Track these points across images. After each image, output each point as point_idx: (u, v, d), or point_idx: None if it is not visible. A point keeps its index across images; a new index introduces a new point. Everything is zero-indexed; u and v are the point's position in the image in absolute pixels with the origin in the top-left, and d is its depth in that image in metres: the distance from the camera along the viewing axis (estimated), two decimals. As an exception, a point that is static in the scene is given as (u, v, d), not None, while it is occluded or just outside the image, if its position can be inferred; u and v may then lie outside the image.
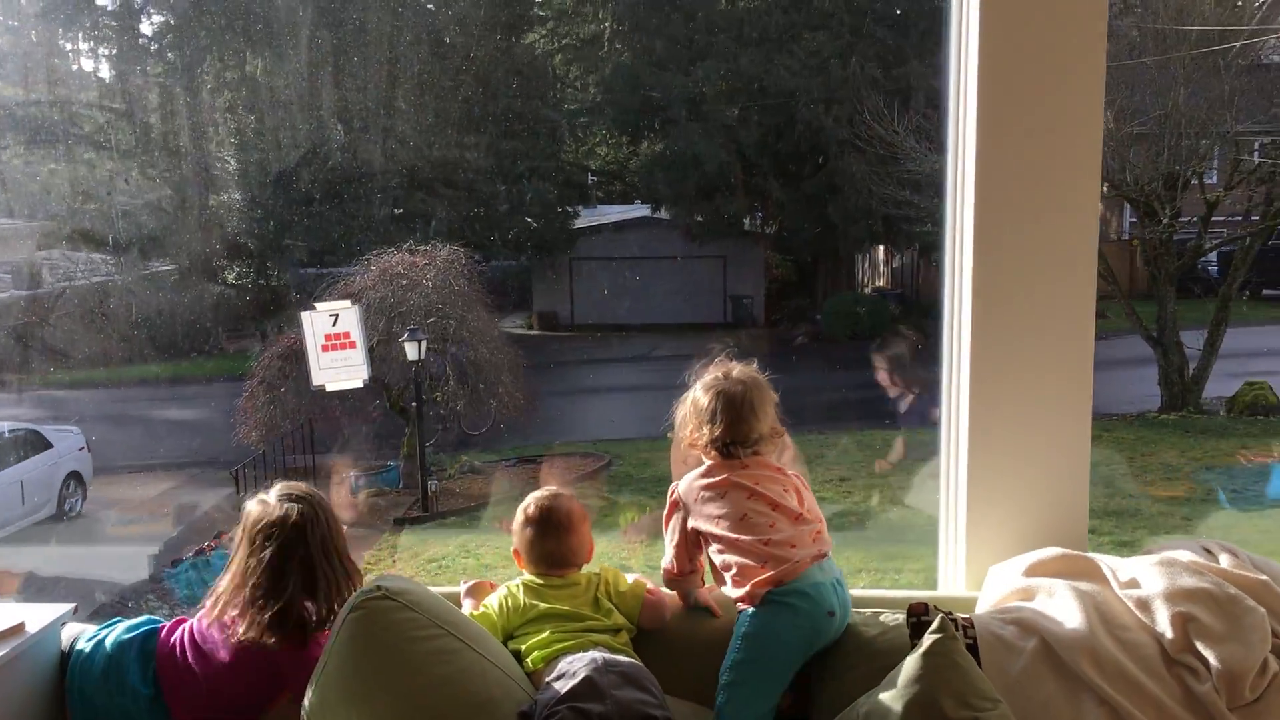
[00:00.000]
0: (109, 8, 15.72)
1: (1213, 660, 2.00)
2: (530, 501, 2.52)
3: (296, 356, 10.76)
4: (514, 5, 19.15)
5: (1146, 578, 2.15)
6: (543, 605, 2.38)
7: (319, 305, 3.01)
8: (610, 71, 20.15)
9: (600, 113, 20.11)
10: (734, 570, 2.30)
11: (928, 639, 1.99)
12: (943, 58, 2.55)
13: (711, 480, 2.37)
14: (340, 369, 2.95)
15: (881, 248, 20.58)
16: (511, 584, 2.48)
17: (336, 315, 2.94)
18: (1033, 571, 2.28)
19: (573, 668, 2.19)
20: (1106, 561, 2.25)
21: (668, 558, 2.45)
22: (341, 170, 15.87)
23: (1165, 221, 12.46)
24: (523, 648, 2.34)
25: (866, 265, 21.47)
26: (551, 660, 2.28)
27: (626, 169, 22.51)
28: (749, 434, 2.36)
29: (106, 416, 12.45)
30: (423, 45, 16.96)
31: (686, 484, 2.42)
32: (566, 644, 2.30)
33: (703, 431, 2.40)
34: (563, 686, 2.14)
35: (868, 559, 7.86)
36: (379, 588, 2.22)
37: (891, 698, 1.98)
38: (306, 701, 2.17)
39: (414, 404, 10.90)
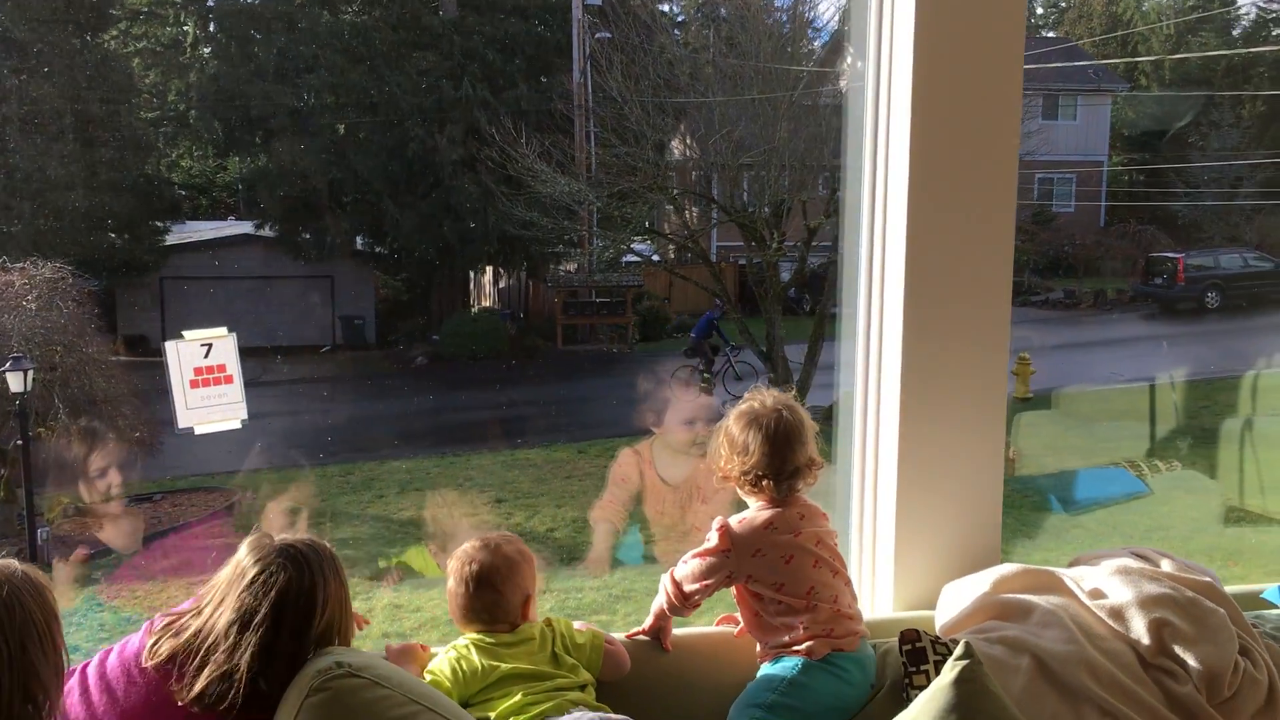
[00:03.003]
0: None
1: (1192, 662, 2.15)
2: (464, 554, 2.26)
3: None
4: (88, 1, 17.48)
5: (1111, 588, 2.27)
6: (504, 666, 2.14)
7: (187, 334, 2.51)
8: (197, 79, 18.95)
9: (184, 122, 18.88)
10: (796, 630, 2.20)
11: (955, 666, 1.98)
12: (854, 92, 2.56)
13: (771, 536, 2.24)
14: (212, 408, 2.49)
15: (489, 268, 20.78)
16: (459, 645, 2.21)
17: (210, 345, 2.47)
18: (999, 588, 2.34)
19: None
20: (1066, 574, 2.35)
21: (691, 588, 2.28)
22: None
23: (775, 246, 13.40)
24: (492, 715, 2.09)
25: (473, 286, 21.58)
26: None
27: (214, 184, 21.27)
28: (784, 466, 2.24)
29: None
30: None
31: (742, 532, 2.26)
32: (544, 706, 2.09)
33: (735, 462, 2.26)
34: None
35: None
36: (338, 664, 1.89)
37: (926, 729, 1.95)
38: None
39: (17, 441, 9.61)
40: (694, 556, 2.29)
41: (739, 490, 2.34)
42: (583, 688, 2.19)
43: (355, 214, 17.88)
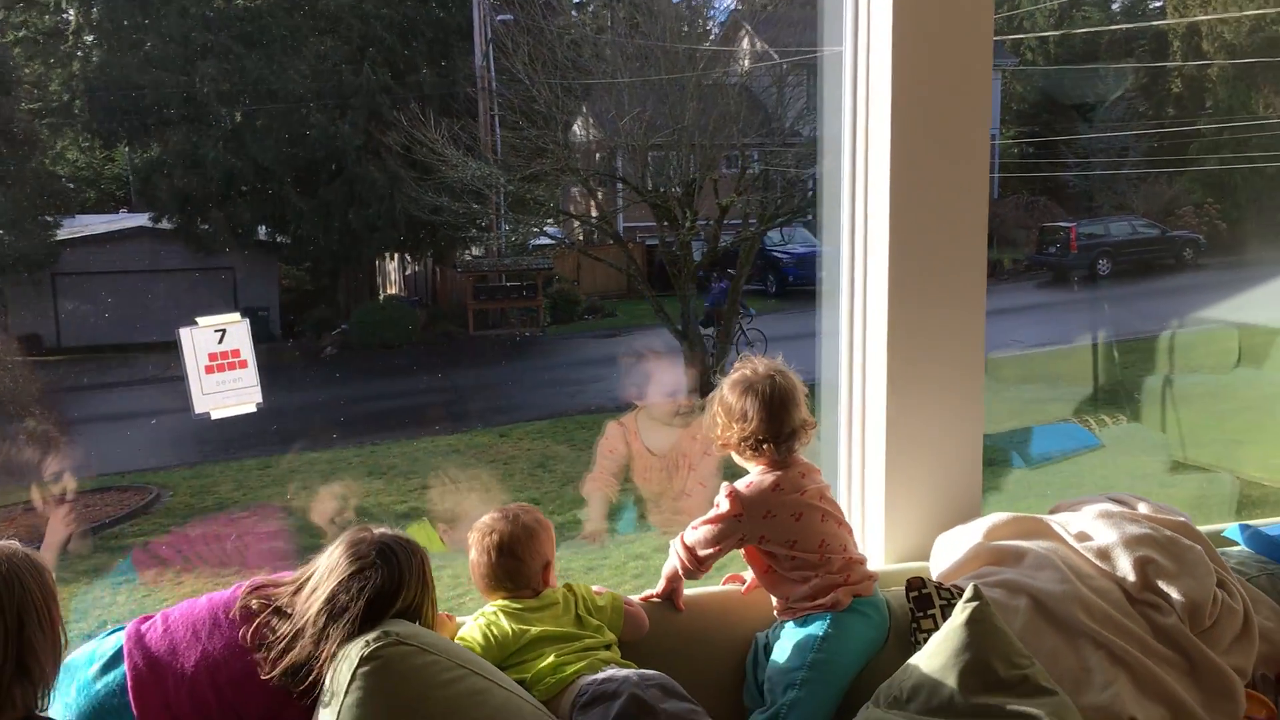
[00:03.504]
0: None
1: (1175, 595, 2.31)
2: (484, 525, 2.34)
3: None
4: (-36, -10, 16.93)
5: (1096, 530, 2.43)
6: (534, 630, 2.22)
7: (201, 320, 2.53)
8: (81, 68, 18.42)
9: (69, 113, 18.34)
10: (813, 581, 2.31)
11: (965, 608, 2.11)
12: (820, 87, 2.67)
13: (780, 497, 2.34)
14: (228, 393, 2.51)
15: (395, 255, 20.57)
16: (486, 612, 2.28)
17: (223, 331, 2.50)
18: (991, 536, 2.49)
19: (608, 688, 2.07)
20: (1053, 520, 2.51)
21: (705, 552, 2.38)
22: None
23: (688, 225, 13.54)
24: (527, 677, 2.17)
25: (379, 273, 21.35)
26: (568, 685, 2.14)
27: (102, 176, 20.72)
28: (782, 428, 2.34)
29: None
30: None
31: (752, 496, 2.36)
32: (577, 665, 2.17)
33: (733, 430, 2.35)
34: (608, 710, 2.02)
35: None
36: (386, 632, 1.95)
37: (941, 668, 2.08)
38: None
39: (-76, 446, 9.31)
40: (705, 522, 2.38)
41: (738, 457, 2.43)
42: (608, 647, 2.28)
43: (256, 203, 17.60)
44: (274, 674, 1.96)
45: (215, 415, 2.54)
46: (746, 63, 15.96)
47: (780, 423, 2.35)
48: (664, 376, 3.91)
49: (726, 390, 2.42)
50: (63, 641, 1.88)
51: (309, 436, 13.10)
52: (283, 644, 1.98)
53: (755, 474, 2.39)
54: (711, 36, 17.32)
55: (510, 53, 14.19)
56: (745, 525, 2.34)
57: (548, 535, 2.35)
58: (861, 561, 2.37)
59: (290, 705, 2.00)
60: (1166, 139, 17.57)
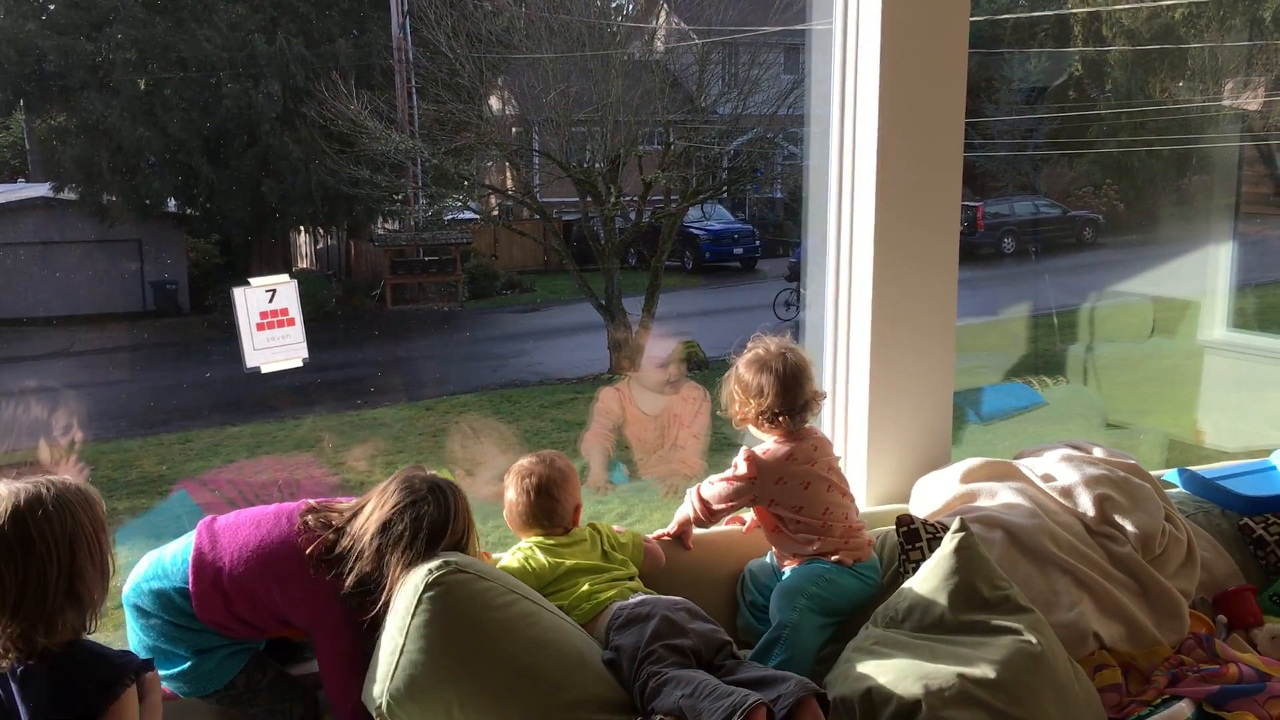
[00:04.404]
0: None
1: (1129, 527, 2.60)
2: (523, 468, 2.53)
3: None
4: None
5: (1058, 472, 2.71)
6: (568, 563, 2.44)
7: (254, 281, 2.68)
8: (-21, 32, 17.85)
9: (-36, 80, 17.78)
10: (816, 545, 2.54)
11: (953, 538, 2.37)
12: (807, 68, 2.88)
13: (792, 466, 2.55)
14: (277, 349, 2.66)
15: (305, 229, 20.31)
16: (523, 547, 2.49)
17: (274, 291, 2.64)
18: (967, 478, 2.75)
19: (642, 611, 2.28)
20: (1020, 463, 2.78)
21: (718, 506, 2.60)
22: None
23: (613, 201, 13.67)
24: (565, 603, 2.38)
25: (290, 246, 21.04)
26: (602, 610, 2.35)
27: (-6, 145, 20.13)
28: (795, 402, 2.55)
29: None
30: None
31: (768, 461, 2.56)
32: (610, 593, 2.39)
33: (750, 405, 2.56)
34: (643, 629, 2.23)
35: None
36: (447, 562, 2.15)
37: (933, 590, 2.34)
38: (381, 691, 2.07)
39: None
40: (721, 480, 2.60)
41: (755, 429, 2.66)
42: (632, 578, 2.50)
43: (165, 174, 17.25)
44: (344, 591, 2.18)
45: (265, 369, 2.70)
46: (661, 42, 16.07)
47: (794, 396, 2.58)
48: (656, 350, 4.21)
49: (742, 368, 2.64)
50: (111, 569, 2.04)
51: (227, 410, 13.00)
52: (347, 561, 2.19)
53: (771, 443, 2.61)
54: (624, 13, 17.37)
55: (433, 25, 14.14)
56: (758, 488, 2.57)
57: (577, 479, 2.57)
58: (861, 528, 2.61)
59: (326, 616, 2.21)
60: (1068, 122, 18.12)
